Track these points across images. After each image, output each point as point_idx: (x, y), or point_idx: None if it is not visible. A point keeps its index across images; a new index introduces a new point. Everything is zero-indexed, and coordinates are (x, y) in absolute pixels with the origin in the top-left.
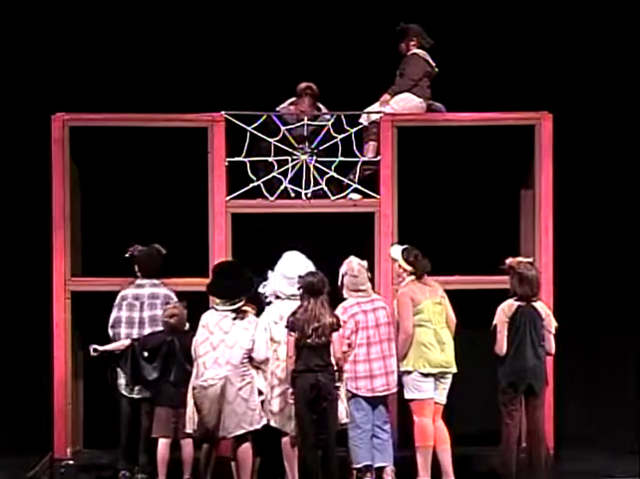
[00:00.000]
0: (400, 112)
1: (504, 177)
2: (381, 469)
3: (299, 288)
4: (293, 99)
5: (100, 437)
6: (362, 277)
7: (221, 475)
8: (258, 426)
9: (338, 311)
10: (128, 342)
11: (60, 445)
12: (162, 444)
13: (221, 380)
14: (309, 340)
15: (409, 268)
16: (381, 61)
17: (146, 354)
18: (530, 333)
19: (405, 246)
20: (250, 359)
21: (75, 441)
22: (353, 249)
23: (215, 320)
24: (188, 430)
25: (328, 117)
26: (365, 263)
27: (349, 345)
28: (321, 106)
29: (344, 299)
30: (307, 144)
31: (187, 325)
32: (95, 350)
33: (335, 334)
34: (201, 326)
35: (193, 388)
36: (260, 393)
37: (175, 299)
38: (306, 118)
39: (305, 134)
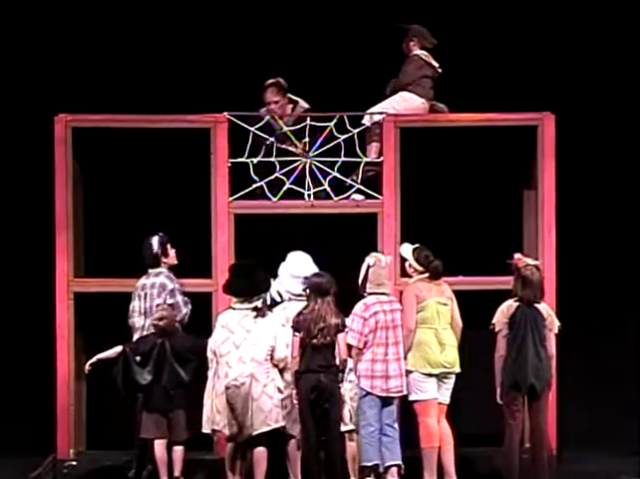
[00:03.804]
0: (402, 112)
1: (507, 177)
2: (388, 468)
3: (305, 289)
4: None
5: (103, 438)
6: (387, 271)
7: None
8: (283, 423)
9: (359, 308)
10: (119, 349)
11: (63, 446)
12: (159, 445)
13: (248, 377)
14: (314, 340)
15: (419, 268)
16: (384, 62)
17: (138, 359)
18: (532, 333)
19: (416, 246)
20: (271, 357)
21: (78, 442)
22: (356, 250)
23: (236, 319)
24: (206, 430)
25: (305, 106)
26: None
27: (365, 343)
28: (297, 98)
29: (361, 297)
30: (309, 144)
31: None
32: (91, 365)
33: (340, 335)
34: (220, 326)
35: (226, 388)
36: (280, 391)
37: (171, 287)
38: (308, 119)
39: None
